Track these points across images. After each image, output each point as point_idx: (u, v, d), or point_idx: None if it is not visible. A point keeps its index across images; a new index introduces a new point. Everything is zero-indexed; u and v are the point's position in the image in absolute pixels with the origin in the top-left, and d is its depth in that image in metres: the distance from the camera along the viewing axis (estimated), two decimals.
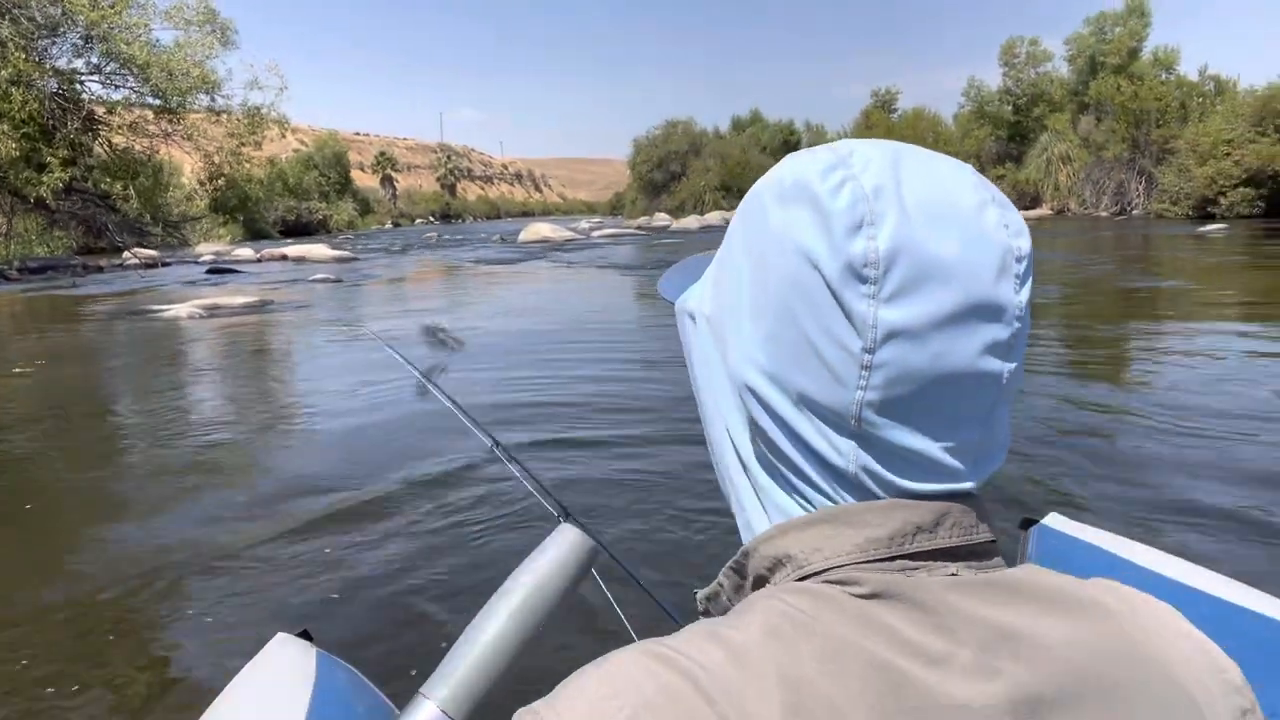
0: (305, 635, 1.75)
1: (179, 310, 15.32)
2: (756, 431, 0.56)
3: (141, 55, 23.27)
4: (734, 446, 0.59)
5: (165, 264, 29.75)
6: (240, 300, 16.70)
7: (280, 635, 1.72)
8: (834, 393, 0.50)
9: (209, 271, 27.00)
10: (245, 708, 1.49)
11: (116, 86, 24.68)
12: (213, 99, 24.92)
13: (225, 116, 25.62)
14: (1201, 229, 30.23)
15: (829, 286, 0.49)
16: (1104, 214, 46.17)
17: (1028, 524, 1.84)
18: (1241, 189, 37.73)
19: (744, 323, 0.55)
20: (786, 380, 0.52)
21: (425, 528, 4.56)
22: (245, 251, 35.86)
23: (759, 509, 0.57)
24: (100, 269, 28.44)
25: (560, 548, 0.99)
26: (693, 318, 0.63)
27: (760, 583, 0.55)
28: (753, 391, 0.54)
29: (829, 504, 0.53)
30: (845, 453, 0.51)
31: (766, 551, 0.54)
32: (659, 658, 0.46)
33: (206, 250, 36.99)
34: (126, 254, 28.87)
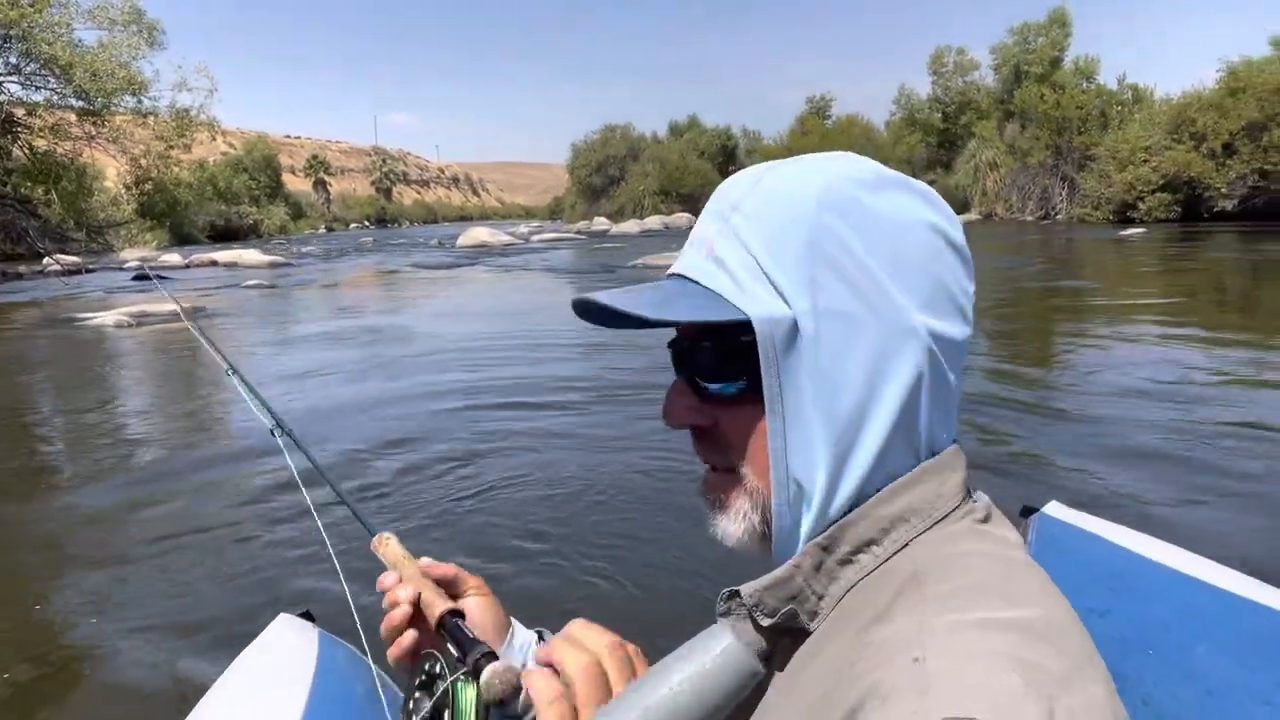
0: (307, 615, 1.83)
1: (105, 318, 14.86)
2: (917, 391, 0.63)
3: (64, 55, 22.55)
4: (854, 421, 0.62)
5: (89, 270, 28.77)
6: (170, 308, 16.23)
7: (283, 615, 1.78)
8: (963, 336, 0.65)
9: (135, 278, 26.11)
10: (249, 686, 1.52)
11: (37, 88, 23.89)
12: (139, 100, 24.29)
13: (152, 119, 24.93)
14: (1122, 233, 31.40)
15: (954, 245, 0.65)
16: (1029, 218, 47.63)
17: (1028, 512, 1.91)
18: (1159, 194, 39.29)
19: (892, 294, 0.62)
20: (943, 332, 0.63)
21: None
22: (173, 257, 34.81)
23: (857, 479, 0.63)
24: (20, 276, 27.37)
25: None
26: (785, 322, 0.62)
27: (860, 549, 0.63)
28: (932, 347, 0.63)
29: (921, 460, 0.65)
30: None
31: (883, 512, 0.63)
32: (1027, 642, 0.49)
33: (132, 256, 35.79)
34: (48, 260, 27.88)
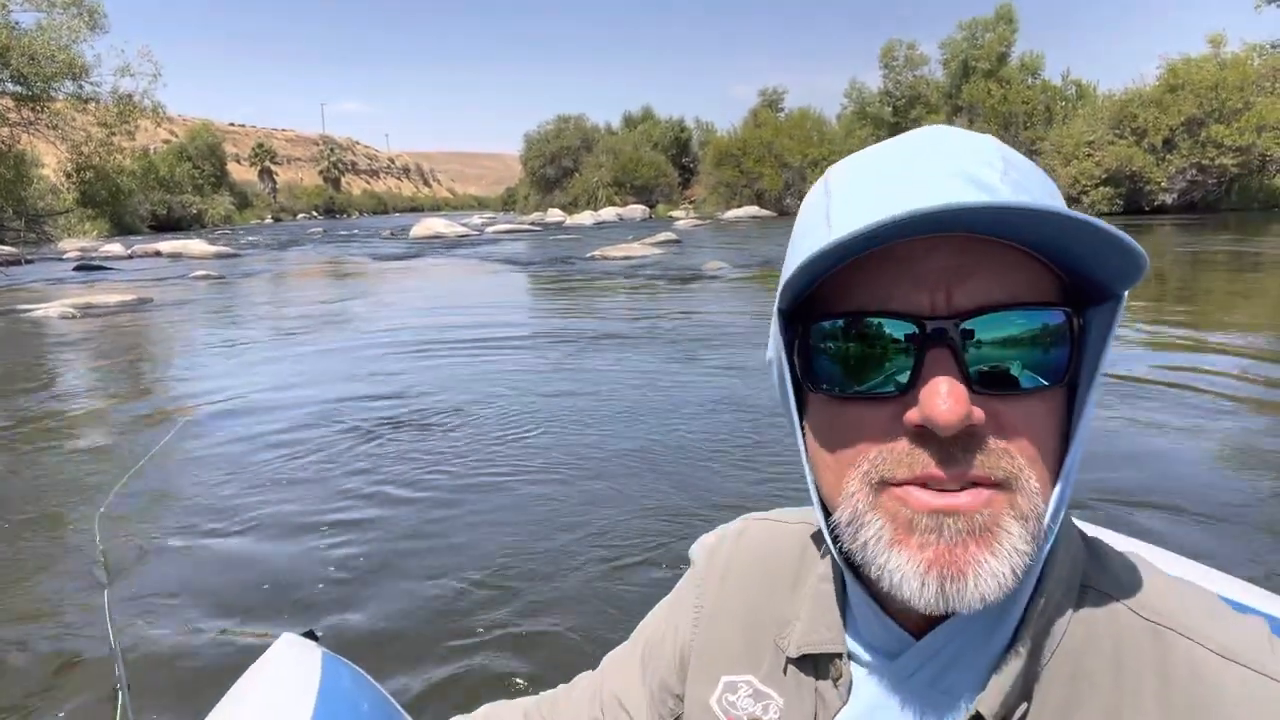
0: (311, 635, 1.80)
1: (49, 310, 14.43)
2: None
3: (0, 38, 21.78)
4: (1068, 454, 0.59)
5: (28, 261, 27.88)
6: (116, 299, 15.83)
7: (286, 635, 1.75)
8: None
9: (77, 268, 25.46)
10: (251, 707, 1.50)
11: None
12: (80, 86, 23.54)
13: (94, 104, 24.21)
14: None
15: None
16: None
17: None
18: (1102, 188, 40.30)
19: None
20: None
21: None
22: (115, 248, 33.91)
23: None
24: None
25: None
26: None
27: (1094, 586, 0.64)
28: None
29: None
30: None
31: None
32: None
33: (72, 247, 34.80)
34: None
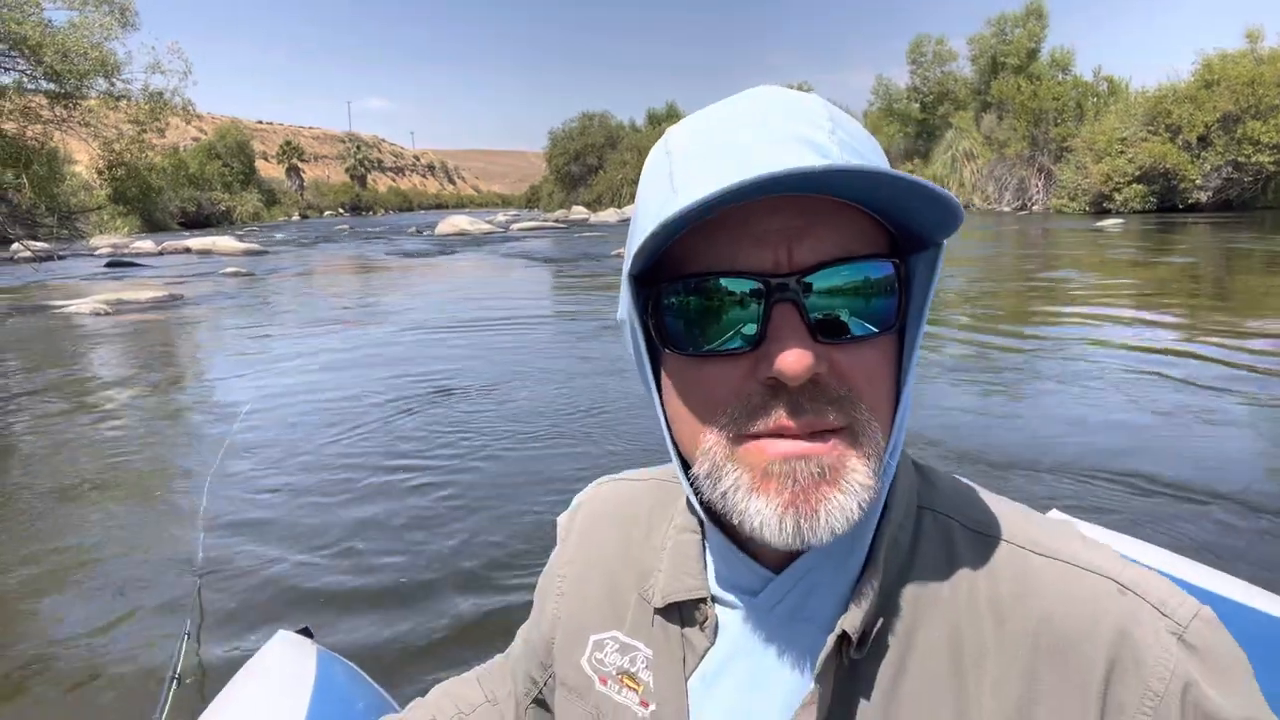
0: (305, 632, 1.81)
1: (81, 306, 14.56)
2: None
3: (34, 35, 21.97)
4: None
5: (60, 257, 28.20)
6: (147, 295, 15.96)
7: (281, 632, 1.76)
8: None
9: (109, 265, 25.74)
10: (247, 703, 1.51)
11: (6, 69, 23.25)
12: (112, 83, 23.66)
13: (125, 102, 24.36)
14: (1099, 224, 31.69)
15: None
16: (1006, 209, 47.98)
17: None
18: (1134, 186, 39.70)
19: None
20: None
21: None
22: (145, 244, 34.31)
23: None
24: None
25: None
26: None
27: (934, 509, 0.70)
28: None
29: None
30: None
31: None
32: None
33: (103, 243, 35.24)
34: (16, 246, 27.25)
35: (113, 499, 5.14)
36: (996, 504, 0.70)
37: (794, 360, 0.56)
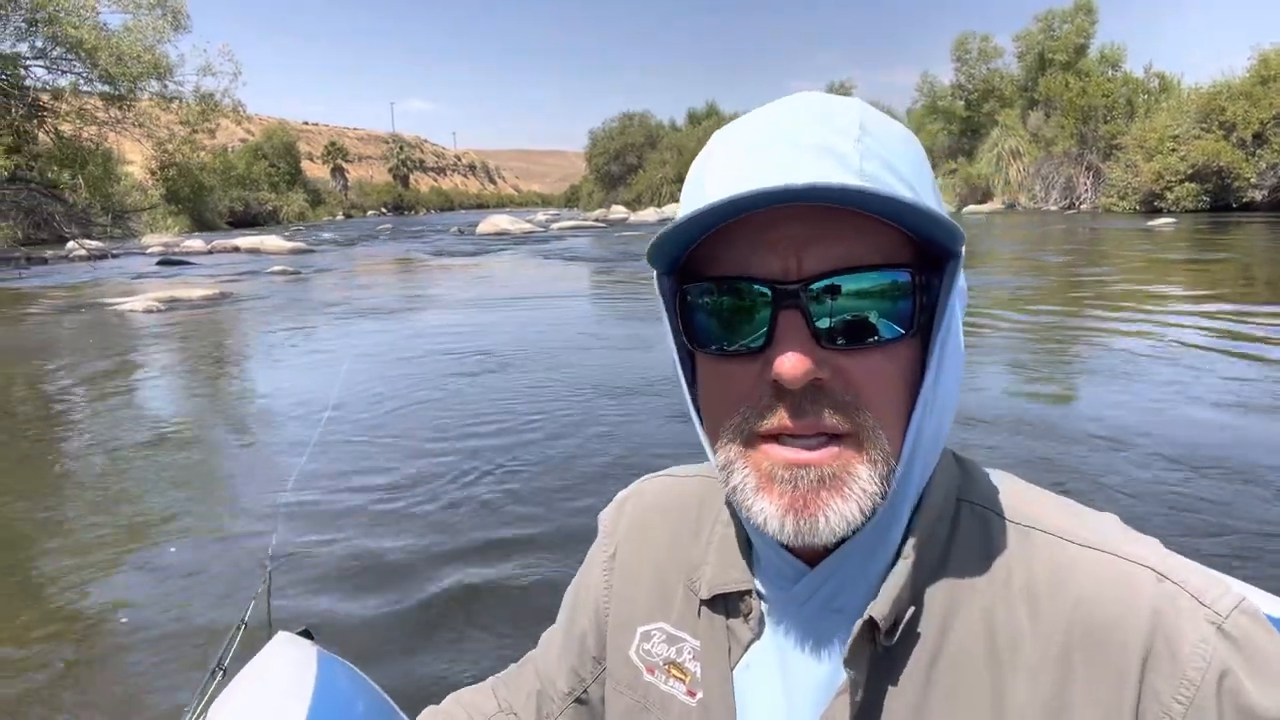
0: (306, 634, 1.80)
1: (135, 304, 14.87)
2: None
3: (90, 39, 22.55)
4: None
5: (114, 256, 28.88)
6: (199, 293, 16.27)
7: (281, 634, 1.74)
8: None
9: (160, 263, 26.27)
10: (248, 705, 1.49)
11: (63, 72, 23.90)
12: (164, 85, 24.23)
13: (177, 103, 24.90)
14: (1149, 223, 31.00)
15: None
16: (1053, 208, 47.12)
17: None
18: (1187, 184, 38.75)
19: None
20: None
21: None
22: (195, 243, 34.92)
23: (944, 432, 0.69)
24: (45, 261, 27.47)
25: None
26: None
27: (972, 504, 0.71)
28: None
29: None
30: None
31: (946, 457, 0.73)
32: None
33: (154, 242, 35.92)
34: (71, 245, 27.99)
35: (200, 470, 5.36)
36: (1037, 496, 0.71)
37: (791, 364, 0.58)
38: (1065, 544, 0.65)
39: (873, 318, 0.61)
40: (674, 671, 0.78)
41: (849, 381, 0.60)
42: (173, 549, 4.32)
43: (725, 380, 0.64)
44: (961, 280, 0.65)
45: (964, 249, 0.63)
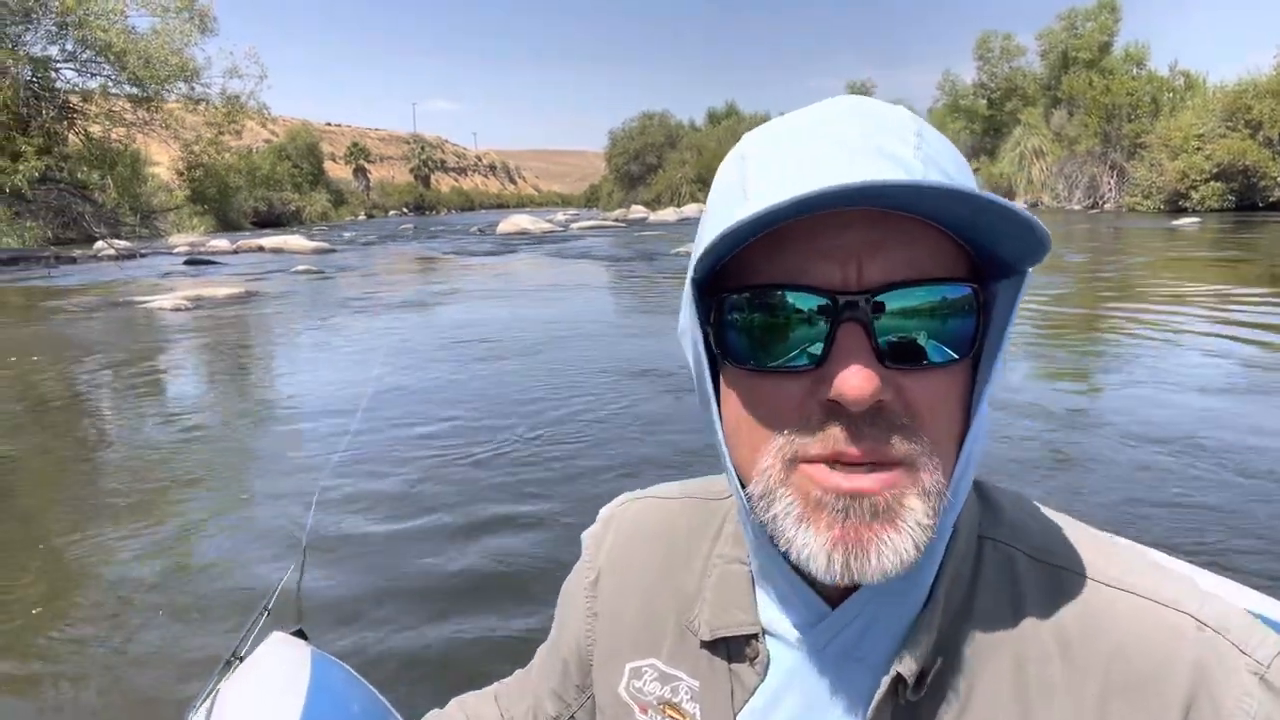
0: (300, 634, 1.83)
1: (163, 302, 15.10)
2: None
3: (118, 42, 22.94)
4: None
5: (141, 255, 29.28)
6: (224, 292, 16.51)
7: (275, 634, 1.77)
8: None
9: (187, 263, 26.59)
10: (242, 705, 1.51)
11: (92, 74, 24.35)
12: (191, 87, 24.61)
13: (203, 105, 25.28)
14: (1174, 222, 30.75)
15: None
16: (1076, 208, 46.80)
17: None
18: (1212, 183, 38.41)
19: None
20: None
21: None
22: (221, 243, 35.29)
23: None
24: (74, 260, 27.85)
25: None
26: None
27: (996, 539, 0.67)
28: None
29: None
30: None
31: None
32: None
33: (181, 241, 36.33)
34: (100, 244, 28.44)
35: (235, 462, 5.50)
36: (1062, 529, 0.68)
37: (858, 384, 0.53)
38: (1098, 586, 0.62)
39: (938, 336, 0.57)
40: (670, 712, 0.74)
41: (908, 404, 0.56)
42: (206, 534, 4.48)
43: (766, 399, 0.59)
44: (1023, 294, 0.60)
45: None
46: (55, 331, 12.85)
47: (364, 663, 3.15)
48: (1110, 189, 46.40)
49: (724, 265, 0.61)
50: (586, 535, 0.90)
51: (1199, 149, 39.23)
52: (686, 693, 0.73)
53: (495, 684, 1.03)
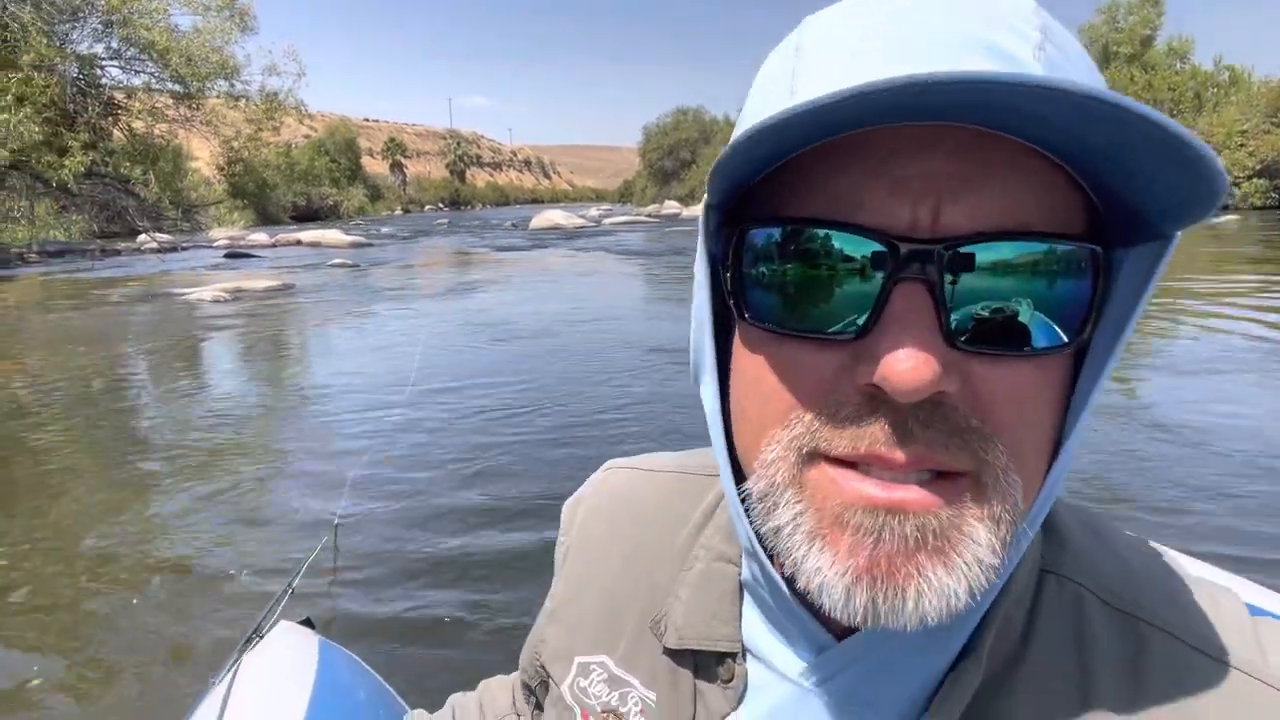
0: (308, 623, 1.90)
1: (203, 294, 15.47)
2: None
3: (161, 40, 23.52)
4: None
5: (183, 248, 29.95)
6: (263, 284, 16.86)
7: (283, 623, 1.83)
8: None
9: (227, 256, 27.17)
10: (250, 693, 1.54)
11: (136, 72, 25.00)
12: (231, 84, 25.15)
13: (243, 102, 25.83)
14: (1215, 220, 30.22)
15: None
16: None
17: None
18: (1256, 180, 37.68)
19: None
20: None
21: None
22: (260, 236, 35.97)
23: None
24: (118, 253, 28.58)
25: None
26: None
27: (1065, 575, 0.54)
28: None
29: None
30: None
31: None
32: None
33: (221, 235, 37.12)
34: (143, 238, 29.14)
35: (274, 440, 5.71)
36: (1147, 570, 0.53)
37: (909, 367, 0.39)
38: (1191, 650, 0.48)
39: (1036, 312, 0.42)
40: None
41: (980, 400, 0.42)
42: (245, 510, 4.70)
43: (787, 371, 0.45)
44: (1163, 267, 0.45)
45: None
46: (101, 321, 13.24)
47: (391, 636, 3.33)
48: None
49: (756, 188, 0.48)
50: (565, 506, 0.78)
51: (1242, 145, 38.50)
52: (637, 704, 0.61)
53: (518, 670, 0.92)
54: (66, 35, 23.66)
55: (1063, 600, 0.51)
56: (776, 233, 0.45)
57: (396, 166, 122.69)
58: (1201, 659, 0.48)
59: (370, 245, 31.79)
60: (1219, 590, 0.52)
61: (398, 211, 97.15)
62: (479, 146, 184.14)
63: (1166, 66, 47.13)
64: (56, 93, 22.38)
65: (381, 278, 19.53)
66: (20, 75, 21.14)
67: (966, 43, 0.40)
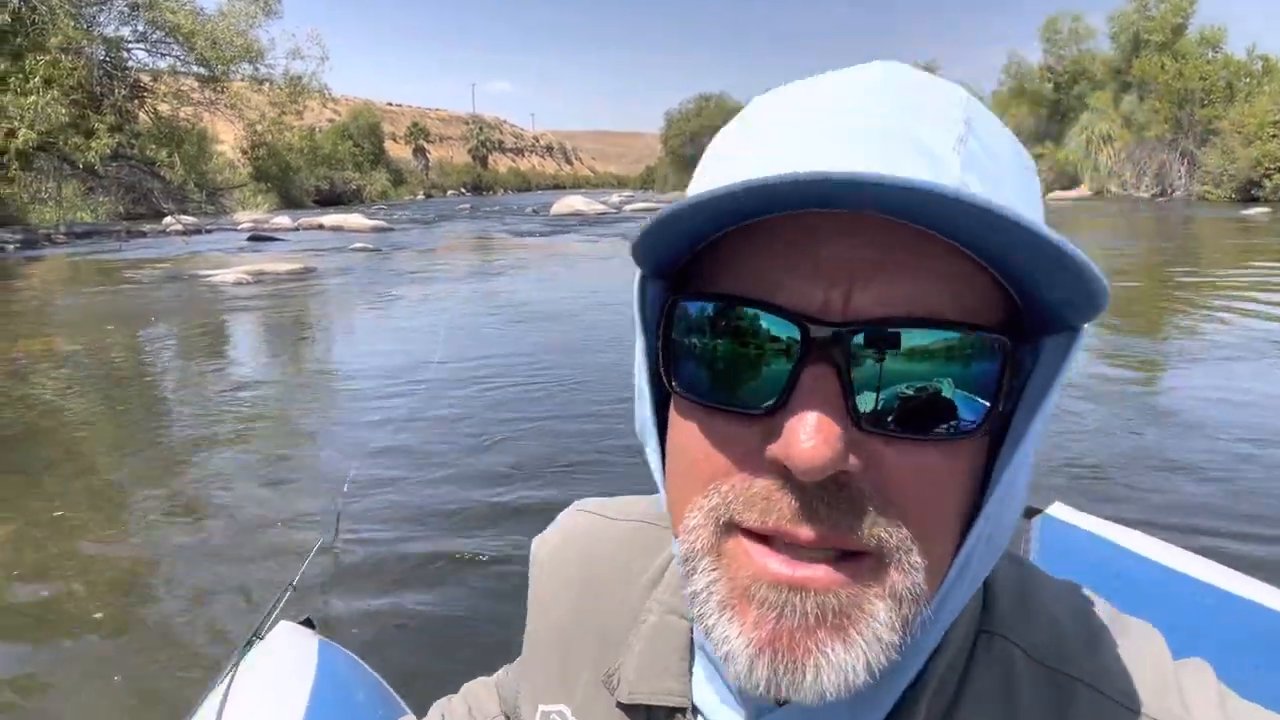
0: (308, 623, 1.89)
1: (227, 276, 15.62)
2: None
3: (187, 23, 23.67)
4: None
5: (207, 231, 30.15)
6: (286, 267, 17.00)
7: (283, 623, 1.83)
8: None
9: (250, 239, 27.35)
10: (250, 693, 1.55)
11: (162, 55, 25.17)
12: (256, 68, 25.28)
13: (267, 85, 25.96)
14: (1245, 212, 29.78)
15: None
16: (1144, 195, 45.52)
17: (1031, 513, 1.80)
18: None
19: None
20: None
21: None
22: (283, 220, 36.16)
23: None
24: (143, 234, 28.78)
25: None
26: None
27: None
28: None
29: None
30: None
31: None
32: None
33: (245, 218, 37.31)
34: (168, 220, 29.37)
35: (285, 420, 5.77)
36: (1080, 625, 0.54)
37: (809, 447, 0.40)
38: (1114, 706, 0.49)
39: (940, 397, 0.43)
40: None
41: (887, 481, 0.43)
42: (261, 492, 4.76)
43: (709, 441, 0.46)
44: (1076, 360, 0.46)
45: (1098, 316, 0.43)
46: (127, 302, 13.39)
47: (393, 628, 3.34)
48: (1180, 177, 45.02)
49: (698, 257, 0.48)
50: (533, 541, 0.79)
51: (1274, 135, 37.88)
52: None
53: (500, 669, 0.94)
54: (93, 18, 23.89)
55: (992, 658, 0.52)
56: (701, 307, 0.46)
57: (419, 151, 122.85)
58: (1124, 713, 0.48)
59: (391, 230, 31.91)
60: (1145, 638, 0.52)
61: (420, 196, 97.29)
62: (501, 132, 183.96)
63: (1198, 55, 46.34)
64: (83, 75, 22.59)
65: (403, 261, 19.62)
66: (48, 58, 21.36)
67: (890, 135, 0.42)
